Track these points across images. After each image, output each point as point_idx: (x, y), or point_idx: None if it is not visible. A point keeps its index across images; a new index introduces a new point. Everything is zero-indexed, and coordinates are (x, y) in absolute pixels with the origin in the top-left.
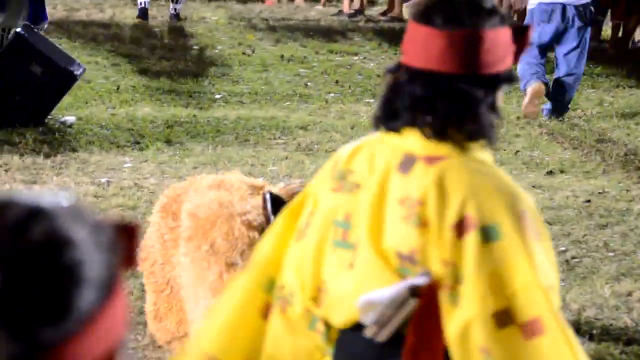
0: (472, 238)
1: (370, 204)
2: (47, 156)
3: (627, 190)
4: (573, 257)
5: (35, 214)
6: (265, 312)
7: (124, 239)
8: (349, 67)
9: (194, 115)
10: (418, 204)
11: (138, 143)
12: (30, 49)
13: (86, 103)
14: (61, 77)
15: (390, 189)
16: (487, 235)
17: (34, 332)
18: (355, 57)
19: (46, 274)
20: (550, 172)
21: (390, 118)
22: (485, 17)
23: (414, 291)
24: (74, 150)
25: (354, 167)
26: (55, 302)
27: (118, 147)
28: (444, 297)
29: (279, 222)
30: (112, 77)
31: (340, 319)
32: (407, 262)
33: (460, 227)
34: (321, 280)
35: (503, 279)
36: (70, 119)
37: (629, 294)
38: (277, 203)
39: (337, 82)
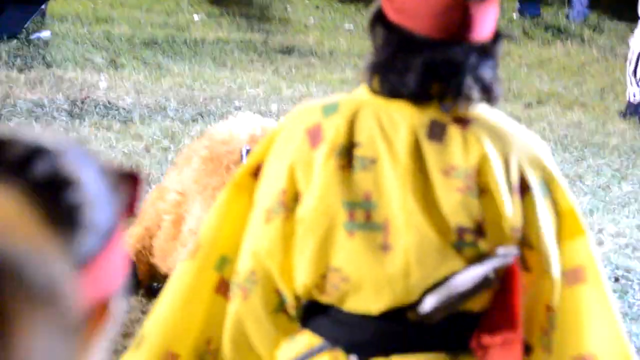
0: (532, 198)
1: (404, 179)
2: (20, 70)
3: (604, 124)
4: None
5: (40, 151)
6: (219, 288)
7: (127, 186)
8: None
9: (172, 36)
10: (475, 173)
11: (114, 62)
12: None
13: (62, 19)
14: None
15: (427, 160)
16: (542, 191)
17: None
18: None
19: (46, 212)
20: (528, 104)
21: (397, 84)
22: None
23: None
24: (48, 66)
25: (358, 139)
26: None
27: (94, 65)
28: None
29: (223, 197)
30: None
31: (380, 305)
32: (471, 236)
33: (520, 189)
34: (329, 267)
35: (562, 233)
36: (45, 34)
37: (601, 230)
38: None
39: (317, 7)
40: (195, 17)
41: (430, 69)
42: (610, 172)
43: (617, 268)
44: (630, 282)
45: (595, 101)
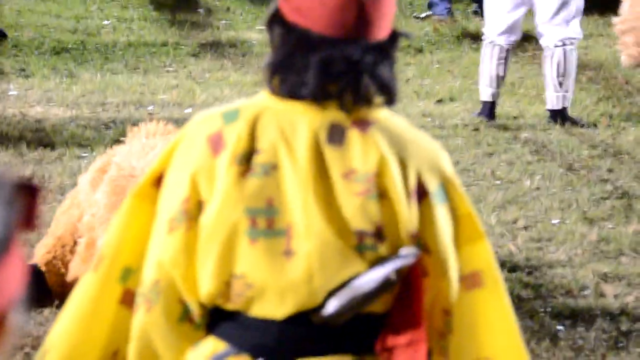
0: (430, 203)
1: (305, 184)
2: None
3: (515, 118)
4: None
5: None
6: (125, 299)
7: (25, 198)
8: None
9: (82, 42)
10: (375, 177)
11: (23, 70)
12: None
13: None
14: None
15: (327, 164)
16: (440, 196)
17: None
18: None
19: None
20: (440, 101)
21: (296, 84)
22: None
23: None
24: None
25: (259, 145)
26: None
27: (2, 74)
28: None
29: (126, 208)
30: None
31: (284, 310)
32: (371, 239)
33: (418, 193)
34: (232, 274)
35: (458, 239)
36: None
37: (514, 222)
38: None
39: (228, 9)
40: (106, 22)
41: (327, 67)
42: (522, 166)
43: (528, 260)
44: (543, 275)
45: (506, 95)
